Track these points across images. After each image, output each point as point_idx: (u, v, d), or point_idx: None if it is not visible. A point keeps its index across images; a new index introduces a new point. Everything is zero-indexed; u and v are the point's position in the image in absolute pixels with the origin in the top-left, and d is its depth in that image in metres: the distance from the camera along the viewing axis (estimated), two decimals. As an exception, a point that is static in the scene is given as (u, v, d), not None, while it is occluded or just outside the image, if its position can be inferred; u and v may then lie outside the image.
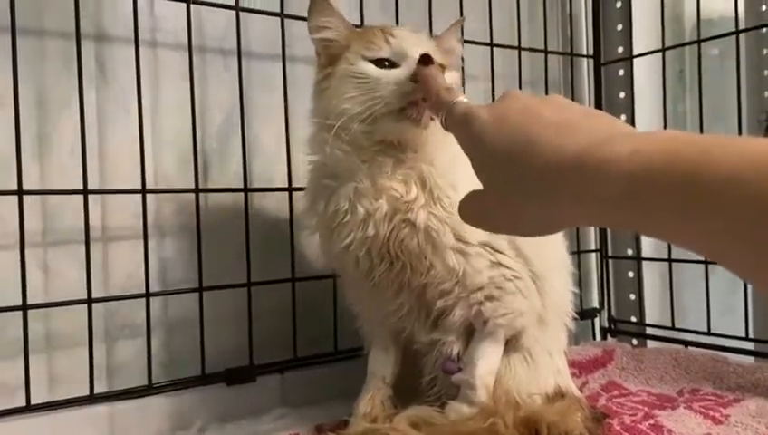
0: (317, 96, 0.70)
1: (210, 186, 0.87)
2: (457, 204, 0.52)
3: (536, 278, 0.71)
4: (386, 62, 0.65)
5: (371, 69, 0.65)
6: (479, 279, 0.67)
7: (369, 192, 0.65)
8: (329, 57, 0.69)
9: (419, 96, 0.61)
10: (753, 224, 0.29)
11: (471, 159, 0.48)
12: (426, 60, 0.60)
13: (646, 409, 0.80)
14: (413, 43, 0.66)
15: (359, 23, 0.92)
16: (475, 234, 0.66)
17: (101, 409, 0.77)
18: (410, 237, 0.65)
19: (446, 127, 0.55)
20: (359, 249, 0.66)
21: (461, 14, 1.02)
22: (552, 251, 0.76)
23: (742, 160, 0.30)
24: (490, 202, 0.45)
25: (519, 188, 0.41)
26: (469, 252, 0.67)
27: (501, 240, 0.68)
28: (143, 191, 0.78)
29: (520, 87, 1.11)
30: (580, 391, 0.82)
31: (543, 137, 0.39)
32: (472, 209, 0.49)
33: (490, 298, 0.68)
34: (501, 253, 0.68)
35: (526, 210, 0.42)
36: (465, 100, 0.53)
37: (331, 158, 0.67)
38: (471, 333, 0.70)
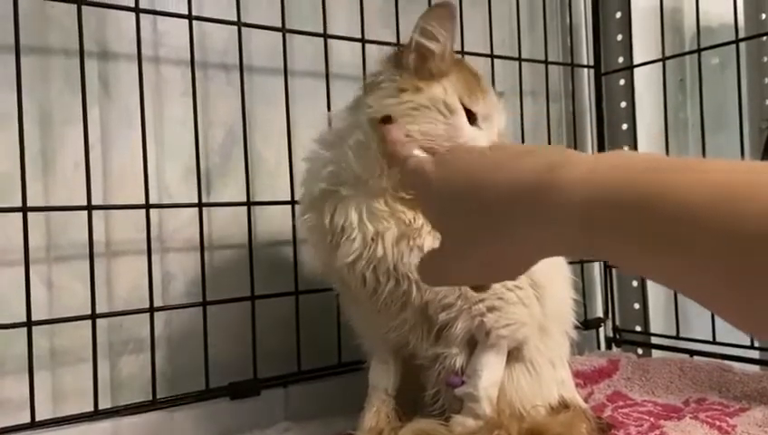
0: (385, 96, 0.64)
1: (213, 200, 0.87)
2: None
3: (536, 287, 0.70)
4: (471, 114, 0.63)
5: (463, 120, 0.63)
6: (480, 290, 0.67)
7: (382, 212, 0.64)
8: (419, 68, 0.64)
9: None
10: (708, 258, 0.28)
11: (423, 211, 0.47)
12: (386, 120, 0.60)
13: (652, 419, 0.80)
14: (498, 111, 0.65)
15: (359, 19, 0.93)
16: None
17: (106, 425, 0.77)
18: (417, 259, 0.64)
19: (402, 184, 0.53)
20: (365, 268, 0.65)
21: (460, 18, 1.03)
22: (551, 261, 0.76)
23: (697, 189, 0.28)
24: (448, 255, 0.44)
25: (471, 226, 0.40)
26: None
27: None
28: (146, 206, 0.78)
29: (521, 98, 1.11)
30: (586, 401, 0.81)
31: (489, 170, 0.39)
32: (431, 269, 0.47)
33: (492, 309, 0.68)
34: None
35: (485, 251, 0.40)
36: (419, 154, 0.50)
37: (362, 159, 0.64)
38: (473, 345, 0.70)
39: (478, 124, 0.64)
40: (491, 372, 0.68)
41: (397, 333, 0.70)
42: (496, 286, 0.67)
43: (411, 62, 0.64)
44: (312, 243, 0.71)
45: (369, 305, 0.69)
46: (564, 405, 0.73)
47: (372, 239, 0.64)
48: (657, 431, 0.73)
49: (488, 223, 0.38)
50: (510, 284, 0.68)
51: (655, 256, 0.30)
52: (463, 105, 0.63)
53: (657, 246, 0.29)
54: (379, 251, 0.64)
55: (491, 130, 0.63)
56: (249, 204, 0.86)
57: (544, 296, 0.71)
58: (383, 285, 0.66)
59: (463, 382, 0.69)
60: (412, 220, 0.65)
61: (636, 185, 0.30)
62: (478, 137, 0.62)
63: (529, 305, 0.69)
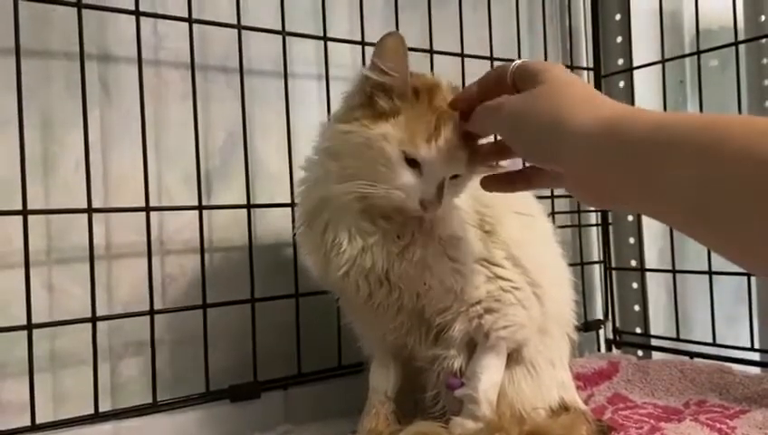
0: (341, 120, 0.63)
1: (213, 203, 0.88)
2: (455, 235, 0.56)
3: (535, 286, 0.70)
4: (412, 160, 0.59)
5: (399, 170, 0.59)
6: (477, 294, 0.67)
7: (369, 229, 0.64)
8: (371, 104, 0.61)
9: (419, 215, 0.62)
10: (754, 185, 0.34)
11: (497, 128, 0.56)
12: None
13: (652, 421, 0.80)
14: (453, 155, 0.60)
15: (359, 22, 0.93)
16: (470, 253, 0.67)
17: (106, 427, 0.77)
18: (408, 268, 0.65)
19: (478, 116, 0.58)
20: (358, 275, 0.65)
21: (460, 21, 1.03)
22: (550, 261, 0.76)
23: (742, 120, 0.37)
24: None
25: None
26: (465, 271, 0.67)
27: (497, 252, 0.68)
28: (147, 209, 0.78)
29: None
30: (586, 403, 0.81)
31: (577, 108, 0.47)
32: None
33: (489, 311, 0.68)
34: (498, 266, 0.68)
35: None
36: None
37: (331, 184, 0.64)
38: (473, 347, 0.70)
39: (420, 170, 0.59)
40: (490, 374, 0.68)
41: (394, 335, 0.70)
42: (493, 289, 0.68)
43: (368, 93, 0.61)
44: (308, 253, 0.70)
45: (366, 310, 0.69)
46: (564, 407, 0.73)
47: (363, 249, 0.64)
48: (658, 434, 0.73)
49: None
50: (507, 285, 0.68)
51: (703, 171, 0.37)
52: (404, 153, 0.59)
53: (710, 162, 0.36)
54: (368, 262, 0.64)
55: (433, 177, 0.59)
56: (249, 206, 0.86)
57: (544, 296, 0.71)
58: (376, 292, 0.66)
59: (462, 384, 0.69)
60: (399, 237, 0.64)
61: (695, 116, 0.40)
62: (416, 189, 0.59)
63: (528, 307, 0.69)
